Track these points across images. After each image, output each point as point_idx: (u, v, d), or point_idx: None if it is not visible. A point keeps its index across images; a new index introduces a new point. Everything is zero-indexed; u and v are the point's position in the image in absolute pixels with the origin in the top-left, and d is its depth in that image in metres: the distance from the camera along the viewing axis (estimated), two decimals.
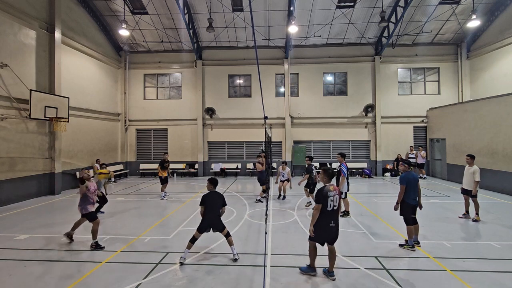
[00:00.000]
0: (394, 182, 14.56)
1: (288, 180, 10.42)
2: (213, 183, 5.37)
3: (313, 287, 4.32)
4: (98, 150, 14.92)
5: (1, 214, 8.63)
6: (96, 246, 5.77)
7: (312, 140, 17.28)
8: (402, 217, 5.88)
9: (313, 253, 4.61)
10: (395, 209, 5.88)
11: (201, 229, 5.13)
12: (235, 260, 5.19)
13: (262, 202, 9.82)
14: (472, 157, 7.65)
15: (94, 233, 5.85)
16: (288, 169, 10.57)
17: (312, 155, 9.45)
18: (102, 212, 8.43)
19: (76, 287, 4.35)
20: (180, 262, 5.05)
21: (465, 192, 7.78)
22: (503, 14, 14.24)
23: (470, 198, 7.74)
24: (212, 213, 5.15)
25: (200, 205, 5.17)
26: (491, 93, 13.50)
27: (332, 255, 4.55)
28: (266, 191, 9.14)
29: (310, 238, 4.55)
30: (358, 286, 4.33)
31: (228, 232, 5.31)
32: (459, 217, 7.88)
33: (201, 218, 5.18)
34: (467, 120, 13.13)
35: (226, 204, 5.33)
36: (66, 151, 12.53)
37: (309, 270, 4.66)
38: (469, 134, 12.90)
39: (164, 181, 10.71)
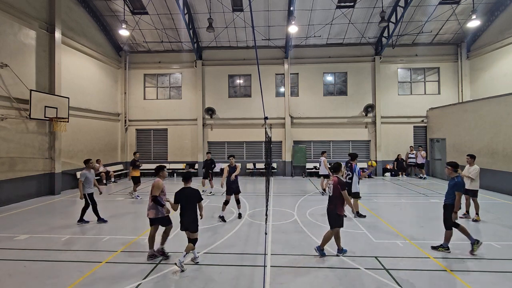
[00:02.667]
0: (394, 182, 14.55)
1: (328, 176, 10.30)
2: (185, 178, 5.06)
3: (313, 287, 4.32)
4: (98, 150, 14.92)
5: (1, 214, 8.63)
6: (163, 253, 5.36)
7: (312, 140, 17.27)
8: (440, 220, 5.77)
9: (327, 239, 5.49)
10: (454, 218, 5.38)
11: (181, 227, 5.00)
12: (197, 263, 5.04)
13: (225, 221, 7.60)
14: (472, 157, 7.66)
15: (164, 238, 5.44)
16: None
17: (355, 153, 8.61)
18: (105, 221, 7.64)
19: (76, 287, 4.35)
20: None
21: (465, 192, 7.78)
22: (503, 14, 14.23)
23: (470, 198, 7.75)
24: (186, 212, 4.90)
25: (174, 203, 4.99)
26: (491, 93, 13.50)
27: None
28: (226, 203, 7.78)
29: None
30: (358, 286, 4.33)
31: (196, 239, 4.99)
32: (460, 217, 7.87)
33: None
34: (467, 120, 13.13)
35: (202, 199, 5.05)
36: (66, 151, 12.53)
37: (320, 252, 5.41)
38: (469, 134, 12.90)
39: (137, 181, 10.90)
